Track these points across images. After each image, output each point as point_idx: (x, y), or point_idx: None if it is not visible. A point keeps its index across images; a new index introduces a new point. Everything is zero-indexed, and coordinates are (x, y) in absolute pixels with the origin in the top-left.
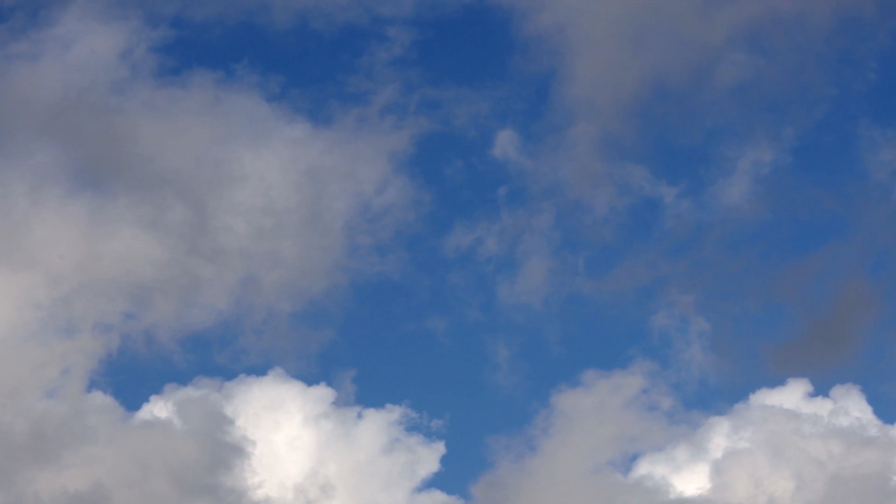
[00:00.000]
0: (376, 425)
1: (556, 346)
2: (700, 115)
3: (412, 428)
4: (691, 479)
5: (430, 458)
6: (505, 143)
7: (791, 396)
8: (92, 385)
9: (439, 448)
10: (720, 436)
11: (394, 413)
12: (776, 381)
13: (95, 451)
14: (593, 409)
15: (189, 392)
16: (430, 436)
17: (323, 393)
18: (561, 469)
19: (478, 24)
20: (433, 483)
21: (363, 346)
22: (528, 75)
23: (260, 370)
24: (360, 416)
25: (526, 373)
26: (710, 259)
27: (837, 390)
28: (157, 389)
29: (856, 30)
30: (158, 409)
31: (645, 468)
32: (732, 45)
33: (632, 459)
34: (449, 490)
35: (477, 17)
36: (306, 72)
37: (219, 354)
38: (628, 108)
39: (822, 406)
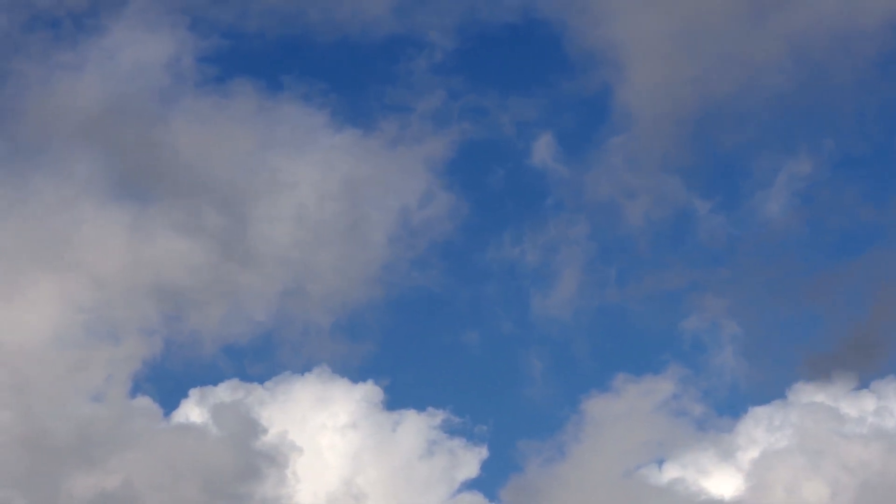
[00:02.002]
0: (416, 428)
1: (587, 353)
2: (741, 127)
3: (453, 432)
4: (724, 482)
5: (471, 462)
6: (544, 153)
7: (832, 392)
8: (136, 389)
9: (482, 452)
10: (755, 435)
11: (435, 418)
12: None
13: (138, 454)
14: (624, 413)
15: (225, 398)
16: (473, 439)
17: (363, 394)
18: (591, 473)
19: (521, 37)
20: (472, 486)
21: (401, 356)
22: (568, 86)
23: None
24: (398, 420)
25: (558, 381)
26: (745, 266)
27: (879, 384)
28: (195, 395)
29: None
30: (195, 414)
31: (676, 472)
32: (776, 58)
33: (662, 463)
34: (490, 495)
35: (520, 31)
36: (349, 80)
37: (258, 362)
38: (670, 121)
39: (865, 404)
